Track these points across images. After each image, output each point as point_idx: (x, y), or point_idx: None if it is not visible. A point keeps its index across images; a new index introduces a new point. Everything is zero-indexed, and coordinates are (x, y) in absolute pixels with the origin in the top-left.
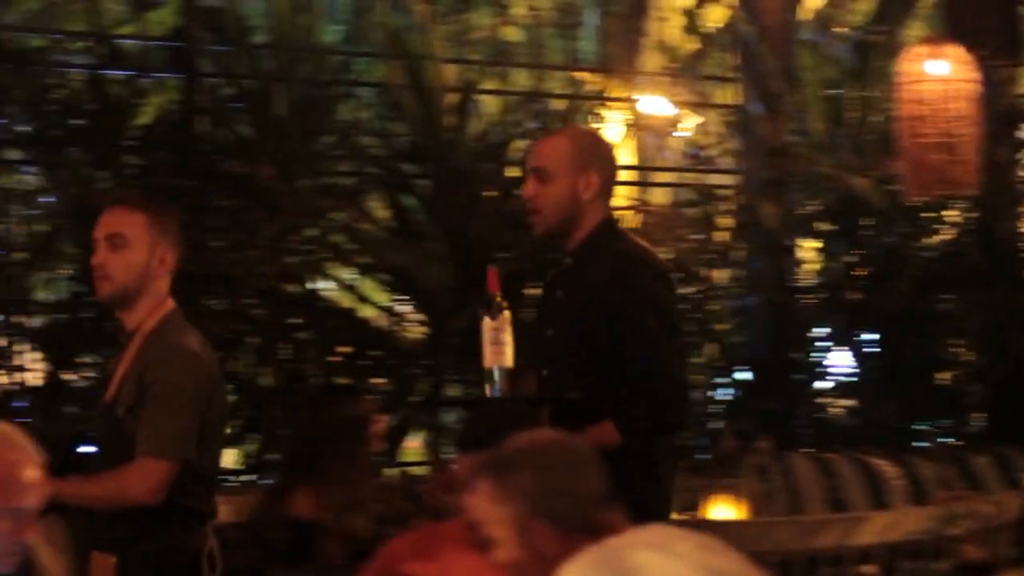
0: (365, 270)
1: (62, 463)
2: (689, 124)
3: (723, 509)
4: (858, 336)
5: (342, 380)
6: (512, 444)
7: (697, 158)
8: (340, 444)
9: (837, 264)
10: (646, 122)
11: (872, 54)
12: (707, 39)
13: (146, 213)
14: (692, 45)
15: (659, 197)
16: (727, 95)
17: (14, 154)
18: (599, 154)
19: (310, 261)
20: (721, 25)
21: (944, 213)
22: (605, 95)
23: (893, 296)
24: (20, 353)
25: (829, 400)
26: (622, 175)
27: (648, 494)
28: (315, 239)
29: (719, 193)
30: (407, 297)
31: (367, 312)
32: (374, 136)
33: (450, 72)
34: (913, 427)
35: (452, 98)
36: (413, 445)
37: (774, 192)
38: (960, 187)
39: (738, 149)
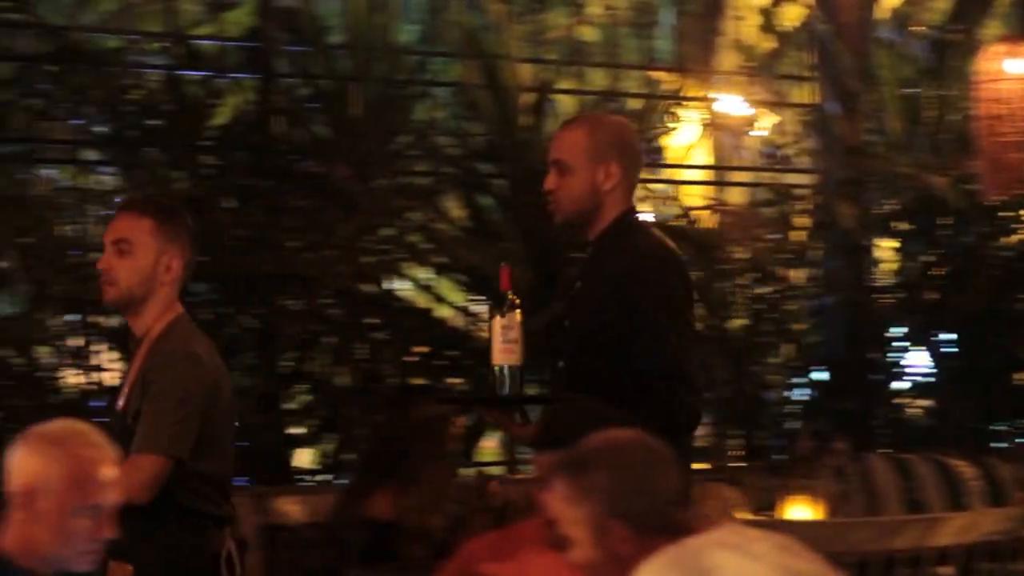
0: (441, 270)
1: None
2: (766, 123)
3: (800, 509)
4: (935, 336)
5: (418, 380)
6: (589, 443)
7: (774, 157)
8: (419, 445)
9: (914, 264)
10: (722, 121)
11: (949, 52)
12: (783, 38)
13: (154, 219)
14: (768, 44)
15: (736, 197)
16: (804, 94)
17: (92, 155)
18: (620, 144)
19: (386, 261)
20: (797, 24)
21: (1022, 212)
22: (681, 95)
23: (971, 296)
24: (97, 352)
25: (906, 400)
26: (699, 175)
27: None
28: (391, 239)
29: (796, 193)
30: (483, 297)
31: (443, 312)
32: (450, 136)
33: (526, 72)
34: (991, 427)
35: (528, 98)
36: (489, 445)
37: (851, 191)
38: None
39: (815, 148)
